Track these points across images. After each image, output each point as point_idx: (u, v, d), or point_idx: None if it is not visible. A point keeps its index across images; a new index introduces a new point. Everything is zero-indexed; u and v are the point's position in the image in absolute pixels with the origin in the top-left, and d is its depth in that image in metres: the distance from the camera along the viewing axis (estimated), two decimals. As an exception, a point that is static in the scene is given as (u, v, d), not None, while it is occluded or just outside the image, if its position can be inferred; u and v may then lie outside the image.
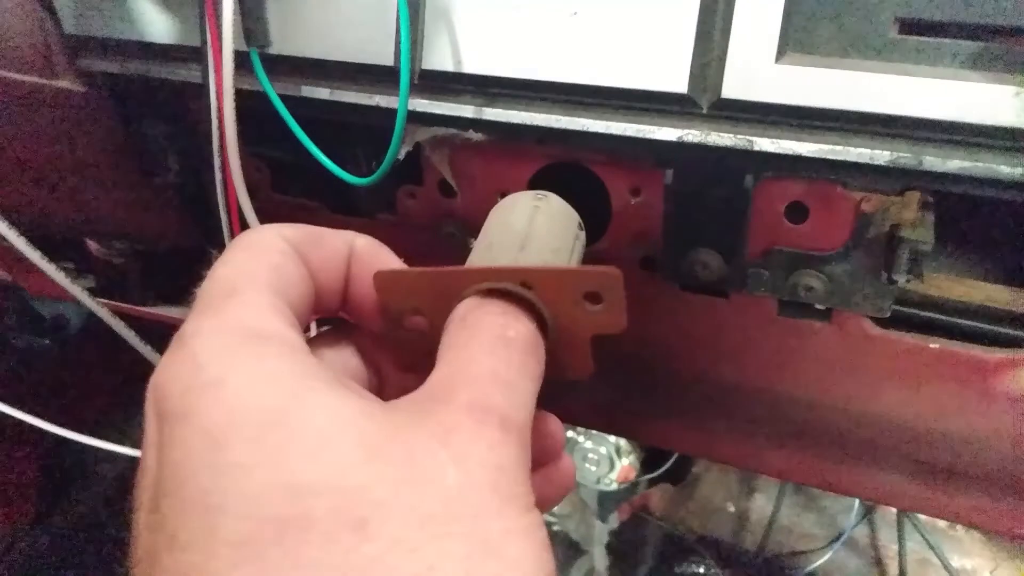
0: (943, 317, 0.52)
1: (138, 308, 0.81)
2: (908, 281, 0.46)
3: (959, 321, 0.51)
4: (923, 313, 0.52)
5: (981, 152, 0.40)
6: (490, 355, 0.30)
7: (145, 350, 0.66)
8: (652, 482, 1.43)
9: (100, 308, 0.59)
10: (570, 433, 1.37)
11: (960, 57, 0.40)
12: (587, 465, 1.37)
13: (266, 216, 0.51)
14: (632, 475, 1.35)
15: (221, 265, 0.32)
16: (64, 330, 1.36)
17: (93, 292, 0.72)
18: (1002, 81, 0.38)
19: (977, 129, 0.39)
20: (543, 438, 0.37)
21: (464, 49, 0.47)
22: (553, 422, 0.39)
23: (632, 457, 1.35)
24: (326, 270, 0.35)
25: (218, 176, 0.53)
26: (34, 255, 0.56)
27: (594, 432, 1.35)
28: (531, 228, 0.38)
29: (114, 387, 1.54)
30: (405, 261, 0.37)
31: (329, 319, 0.38)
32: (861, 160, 0.41)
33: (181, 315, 0.77)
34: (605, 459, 1.35)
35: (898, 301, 0.50)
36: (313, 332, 0.40)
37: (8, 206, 0.57)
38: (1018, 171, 0.39)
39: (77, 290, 0.56)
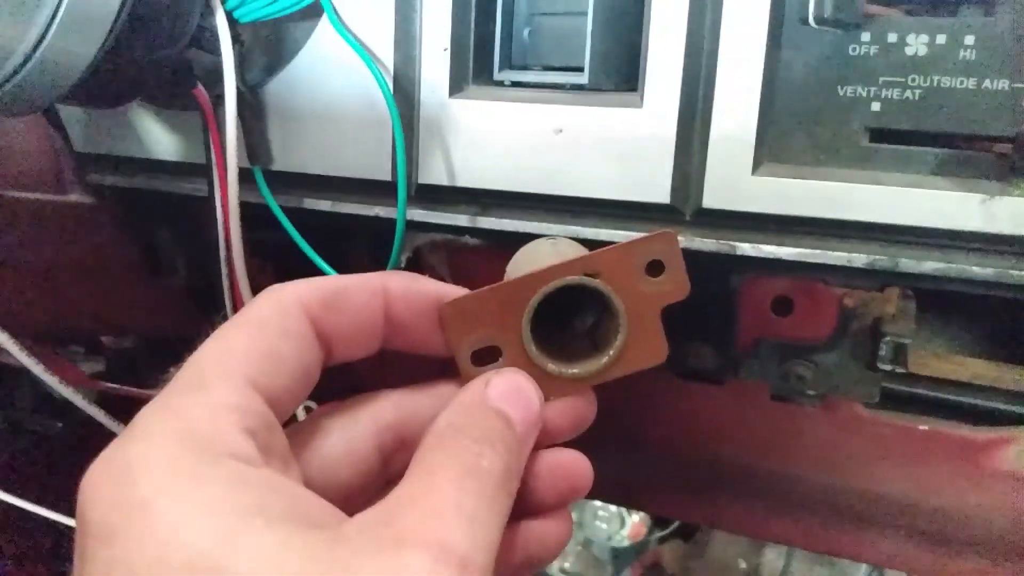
0: (932, 393, 0.53)
1: (148, 391, 0.82)
2: (892, 370, 0.47)
3: (948, 397, 0.53)
4: (913, 389, 0.54)
5: (954, 254, 0.42)
6: (457, 486, 0.28)
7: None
8: (663, 539, 1.43)
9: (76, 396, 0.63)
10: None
11: (928, 164, 0.41)
12: (598, 523, 1.38)
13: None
14: (643, 532, 1.36)
15: (208, 344, 0.30)
16: (76, 412, 1.37)
17: (102, 376, 0.72)
18: (968, 188, 0.40)
19: (949, 233, 0.41)
20: (563, 477, 0.37)
21: (457, 165, 0.49)
22: (581, 461, 0.37)
23: (642, 514, 1.35)
24: (355, 324, 0.34)
25: (225, 283, 0.55)
26: (21, 355, 0.57)
27: (603, 489, 1.35)
28: (557, 253, 0.39)
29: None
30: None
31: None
32: (839, 263, 0.43)
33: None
34: (615, 516, 1.36)
35: (887, 378, 0.52)
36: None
37: (13, 312, 0.59)
38: (989, 271, 0.41)
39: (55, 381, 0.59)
